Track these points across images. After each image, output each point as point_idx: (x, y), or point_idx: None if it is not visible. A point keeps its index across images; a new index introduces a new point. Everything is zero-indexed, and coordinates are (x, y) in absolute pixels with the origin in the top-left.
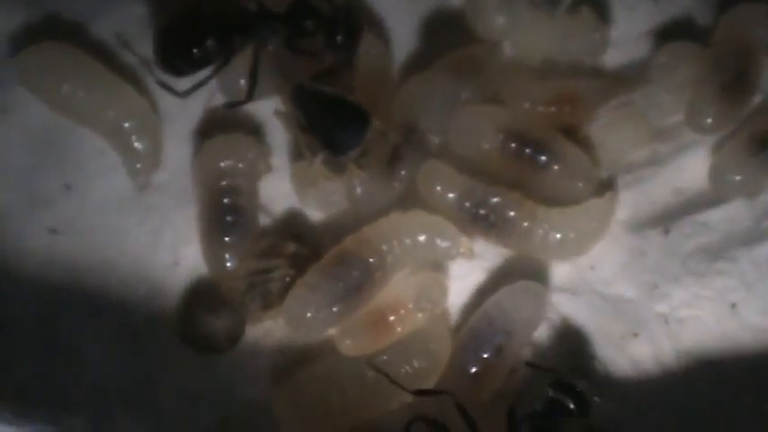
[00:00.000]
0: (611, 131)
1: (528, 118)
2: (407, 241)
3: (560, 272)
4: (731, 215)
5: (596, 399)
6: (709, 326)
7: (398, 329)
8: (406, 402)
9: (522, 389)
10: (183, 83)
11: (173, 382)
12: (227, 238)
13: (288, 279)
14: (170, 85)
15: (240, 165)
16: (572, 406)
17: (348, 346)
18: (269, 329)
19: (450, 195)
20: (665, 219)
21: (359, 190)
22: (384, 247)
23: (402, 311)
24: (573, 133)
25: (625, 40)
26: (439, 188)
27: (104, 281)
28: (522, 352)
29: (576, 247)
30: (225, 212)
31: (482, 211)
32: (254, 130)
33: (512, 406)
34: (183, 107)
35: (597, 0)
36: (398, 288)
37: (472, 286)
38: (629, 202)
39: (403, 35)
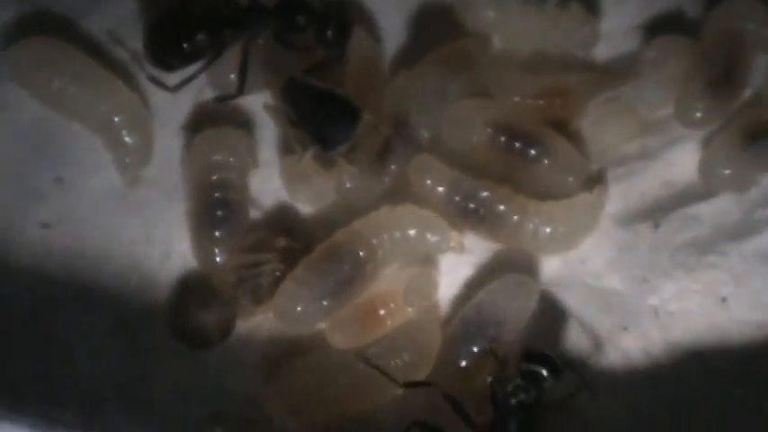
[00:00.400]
0: (601, 125)
1: (518, 112)
2: (398, 235)
3: (550, 266)
4: (721, 209)
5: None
6: (699, 319)
7: (388, 323)
8: (397, 395)
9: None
10: (174, 77)
11: (165, 377)
12: (217, 233)
13: (278, 273)
14: (160, 79)
15: (231, 159)
16: (545, 372)
17: (338, 340)
18: (259, 323)
19: (440, 189)
20: (655, 212)
21: (349, 184)
22: (374, 241)
23: (392, 305)
24: (563, 127)
25: (615, 33)
26: (429, 182)
27: (97, 275)
28: (511, 345)
29: (566, 240)
30: (215, 207)
31: (472, 205)
32: (245, 125)
33: (493, 389)
34: (174, 102)
35: None
36: (389, 282)
37: (462, 280)
38: (618, 196)
39: (393, 29)
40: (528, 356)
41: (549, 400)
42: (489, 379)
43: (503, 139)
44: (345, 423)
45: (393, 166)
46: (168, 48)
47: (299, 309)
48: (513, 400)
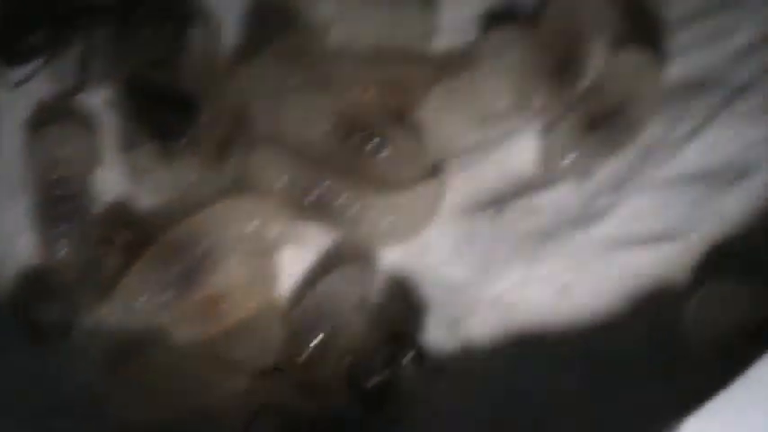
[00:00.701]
0: (441, 116)
1: (357, 103)
2: (238, 227)
3: (392, 256)
4: (561, 197)
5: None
6: (541, 307)
7: (231, 315)
8: (242, 386)
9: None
10: (15, 73)
11: (8, 371)
12: (59, 228)
13: (120, 267)
14: (1, 75)
15: (73, 155)
16: (401, 354)
17: (181, 332)
18: (102, 317)
19: (281, 181)
20: (496, 202)
21: (190, 177)
22: (215, 234)
23: (234, 298)
24: (402, 118)
25: (453, 24)
26: (269, 174)
27: None
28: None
29: (407, 231)
30: (58, 202)
31: (312, 197)
32: (87, 121)
33: (348, 371)
34: (15, 98)
35: None
36: (230, 274)
37: (303, 271)
38: (459, 186)
39: (232, 22)
40: (386, 338)
41: (397, 383)
42: (346, 360)
43: (343, 131)
44: (191, 416)
45: (233, 159)
46: (9, 43)
47: (140, 302)
48: (368, 382)
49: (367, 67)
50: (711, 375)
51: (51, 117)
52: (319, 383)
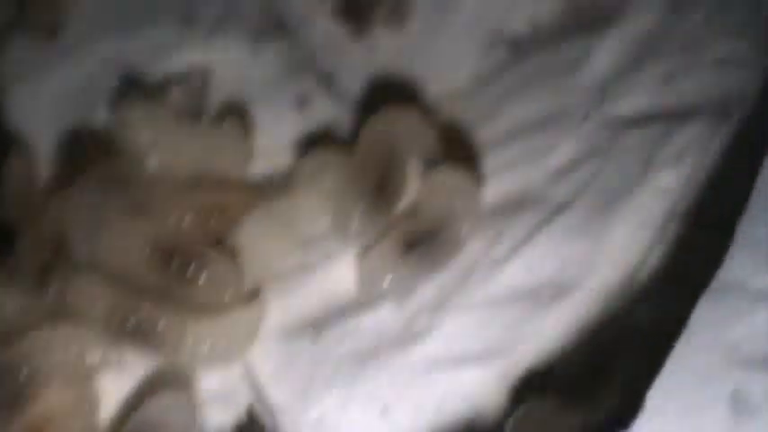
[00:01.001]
0: (258, 241)
1: (175, 229)
2: (58, 354)
3: (212, 381)
4: (381, 318)
5: None
6: (361, 430)
7: None
8: None
9: None
10: None
11: None
12: None
13: None
14: None
15: None
16: None
17: None
18: None
19: (99, 308)
20: (316, 325)
21: (9, 305)
22: (36, 361)
23: (55, 424)
24: (220, 244)
25: (270, 149)
26: (87, 302)
27: None
28: None
29: (226, 356)
30: None
31: (131, 323)
32: None
33: None
34: None
35: (242, 111)
36: (51, 401)
37: (123, 398)
38: (278, 310)
39: (49, 149)
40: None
41: None
42: None
43: (160, 257)
44: None
45: (53, 287)
46: None
47: None
48: None
49: (184, 193)
50: None
51: None
52: None
